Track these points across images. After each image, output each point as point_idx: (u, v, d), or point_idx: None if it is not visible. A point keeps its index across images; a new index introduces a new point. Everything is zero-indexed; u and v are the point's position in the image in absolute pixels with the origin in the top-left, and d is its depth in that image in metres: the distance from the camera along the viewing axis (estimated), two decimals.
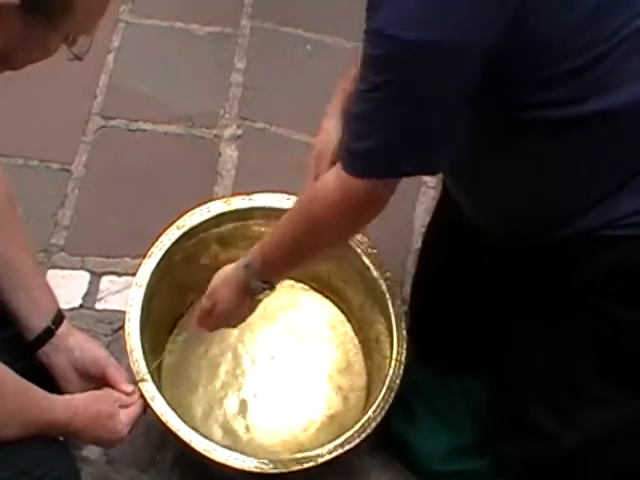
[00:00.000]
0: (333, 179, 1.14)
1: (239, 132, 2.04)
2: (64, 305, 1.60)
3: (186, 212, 1.58)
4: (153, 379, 1.40)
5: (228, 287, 1.35)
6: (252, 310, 1.40)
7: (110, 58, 2.13)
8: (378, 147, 1.07)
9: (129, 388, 1.33)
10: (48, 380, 1.26)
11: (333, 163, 1.24)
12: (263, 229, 1.59)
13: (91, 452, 1.52)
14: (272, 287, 1.33)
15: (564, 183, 1.17)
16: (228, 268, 1.36)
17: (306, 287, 1.71)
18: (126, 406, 1.30)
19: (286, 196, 1.59)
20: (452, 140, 1.08)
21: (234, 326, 1.46)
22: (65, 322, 1.31)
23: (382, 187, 1.12)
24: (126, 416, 1.29)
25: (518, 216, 1.23)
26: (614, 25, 1.04)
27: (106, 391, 1.31)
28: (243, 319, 1.42)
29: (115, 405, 1.28)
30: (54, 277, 1.76)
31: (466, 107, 1.05)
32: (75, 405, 1.21)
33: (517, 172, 1.17)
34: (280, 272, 1.33)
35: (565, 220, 1.19)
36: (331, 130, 1.35)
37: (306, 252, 1.29)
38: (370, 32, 1.02)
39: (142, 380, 1.38)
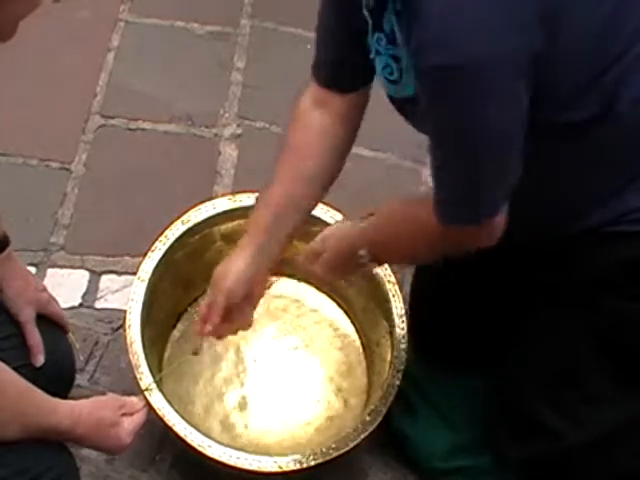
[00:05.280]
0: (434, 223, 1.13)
1: (239, 131, 2.04)
2: (64, 304, 1.60)
3: (190, 208, 1.58)
4: (152, 373, 1.40)
5: (340, 242, 1.33)
6: (352, 273, 1.44)
7: (110, 57, 2.12)
8: (469, 183, 1.07)
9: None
10: (50, 382, 1.25)
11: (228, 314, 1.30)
12: None
13: (90, 451, 1.51)
14: (379, 263, 1.33)
15: (576, 181, 1.17)
16: (347, 224, 1.35)
17: (310, 287, 1.71)
18: (130, 414, 1.28)
19: None
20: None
21: (336, 280, 1.50)
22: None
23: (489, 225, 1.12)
24: (130, 424, 1.26)
25: (527, 215, 1.22)
26: (628, 28, 1.06)
27: (110, 398, 1.29)
28: (343, 277, 1.47)
29: (118, 413, 1.25)
30: (54, 276, 1.76)
31: None
32: (78, 410, 1.19)
33: (529, 171, 1.16)
34: (386, 259, 1.34)
35: (573, 217, 1.20)
36: (239, 270, 1.29)
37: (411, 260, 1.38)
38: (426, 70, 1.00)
39: (147, 390, 1.37)
